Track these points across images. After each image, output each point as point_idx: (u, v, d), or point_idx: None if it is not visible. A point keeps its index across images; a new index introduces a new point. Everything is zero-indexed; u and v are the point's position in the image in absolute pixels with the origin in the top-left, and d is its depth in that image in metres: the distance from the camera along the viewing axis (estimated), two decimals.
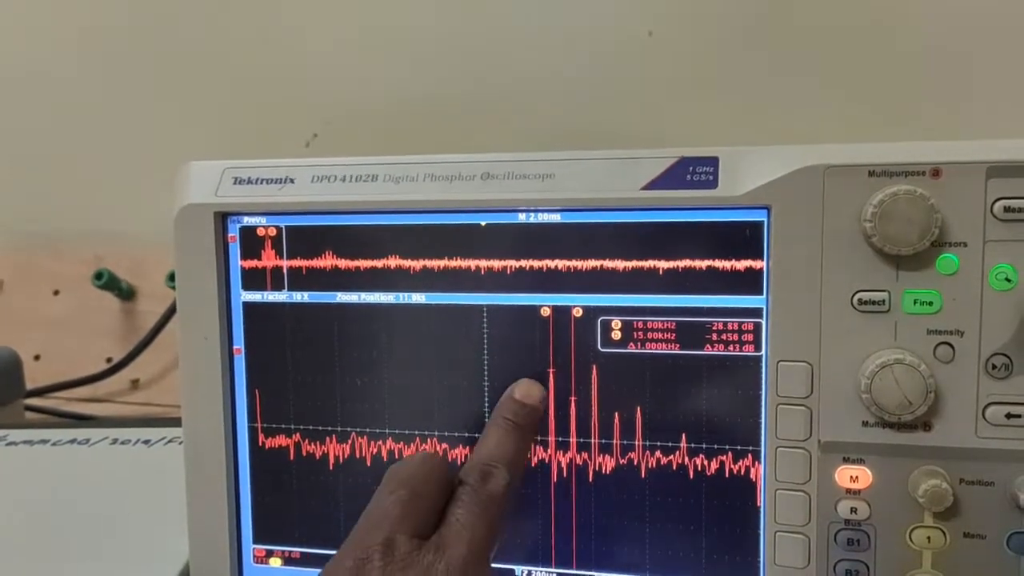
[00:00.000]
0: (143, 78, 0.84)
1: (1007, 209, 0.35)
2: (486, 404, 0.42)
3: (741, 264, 0.39)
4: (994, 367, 0.36)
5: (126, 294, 0.81)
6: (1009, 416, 0.36)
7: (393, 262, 0.43)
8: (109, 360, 0.81)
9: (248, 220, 0.44)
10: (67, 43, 0.86)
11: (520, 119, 0.77)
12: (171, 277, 0.77)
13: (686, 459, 0.40)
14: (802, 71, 0.71)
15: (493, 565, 0.39)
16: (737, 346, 0.39)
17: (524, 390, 0.41)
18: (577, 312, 0.41)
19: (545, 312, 0.41)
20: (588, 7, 0.75)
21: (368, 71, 0.79)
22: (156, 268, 0.81)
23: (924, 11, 0.68)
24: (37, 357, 0.83)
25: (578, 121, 0.76)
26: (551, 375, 0.41)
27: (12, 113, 0.87)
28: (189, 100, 0.83)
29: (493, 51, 0.77)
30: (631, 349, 0.41)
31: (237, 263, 0.44)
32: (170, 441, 0.59)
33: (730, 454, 0.40)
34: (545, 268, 0.41)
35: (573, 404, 0.41)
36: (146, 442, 0.60)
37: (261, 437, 0.45)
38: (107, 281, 0.79)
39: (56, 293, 0.84)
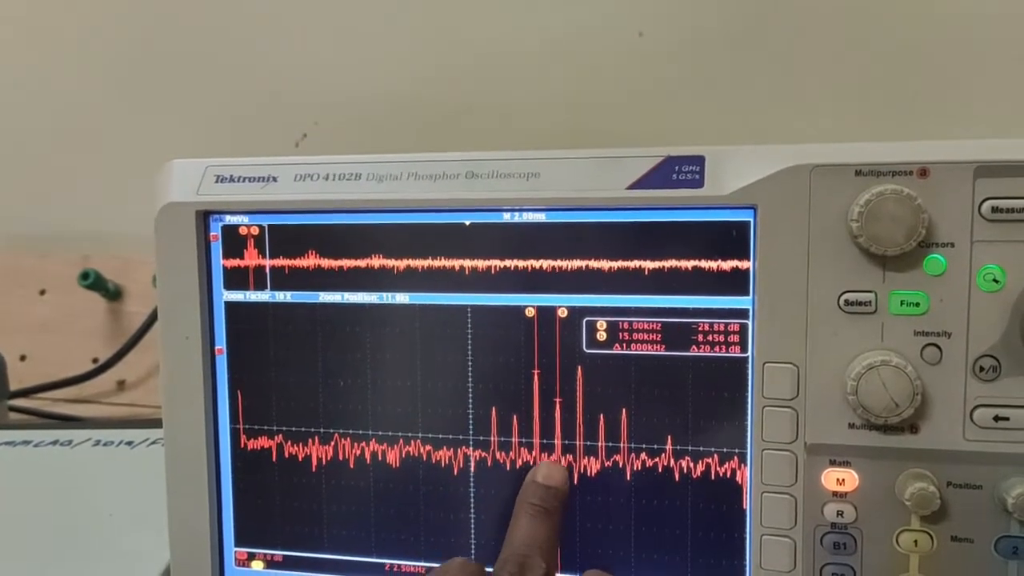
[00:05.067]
0: (131, 77, 0.84)
1: (995, 209, 0.35)
2: (470, 405, 0.42)
3: (727, 264, 0.39)
4: (982, 369, 0.35)
5: (113, 294, 0.81)
6: (997, 419, 0.35)
7: (376, 262, 0.42)
8: (95, 361, 0.80)
9: (230, 219, 0.44)
10: (53, 43, 0.85)
11: (511, 120, 0.76)
12: None
13: (672, 461, 0.40)
14: (793, 71, 0.70)
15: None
16: (723, 347, 0.39)
17: (545, 472, 0.40)
18: (562, 312, 0.41)
19: (530, 312, 0.41)
20: (579, 8, 0.74)
21: (358, 71, 0.79)
22: (143, 269, 0.80)
23: (917, 12, 0.68)
24: (23, 357, 0.82)
25: (569, 122, 0.75)
26: (535, 376, 0.41)
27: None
28: (178, 100, 0.83)
29: (484, 51, 0.76)
30: (616, 350, 0.40)
31: (219, 262, 0.44)
32: (153, 442, 0.59)
33: (716, 456, 0.39)
34: (530, 268, 0.41)
35: (558, 406, 0.41)
36: (129, 443, 0.59)
37: (243, 438, 0.45)
38: (94, 281, 0.78)
39: (42, 293, 0.83)
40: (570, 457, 0.41)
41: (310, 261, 0.43)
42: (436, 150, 0.42)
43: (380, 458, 0.43)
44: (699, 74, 0.73)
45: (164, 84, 0.83)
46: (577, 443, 0.41)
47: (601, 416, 0.41)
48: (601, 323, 0.40)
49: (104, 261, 0.81)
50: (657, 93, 0.74)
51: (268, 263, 0.44)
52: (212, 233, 0.44)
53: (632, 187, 0.39)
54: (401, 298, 0.42)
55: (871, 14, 0.68)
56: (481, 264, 0.41)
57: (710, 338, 0.39)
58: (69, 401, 0.80)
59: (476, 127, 0.77)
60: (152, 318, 0.78)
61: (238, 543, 0.45)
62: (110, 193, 0.83)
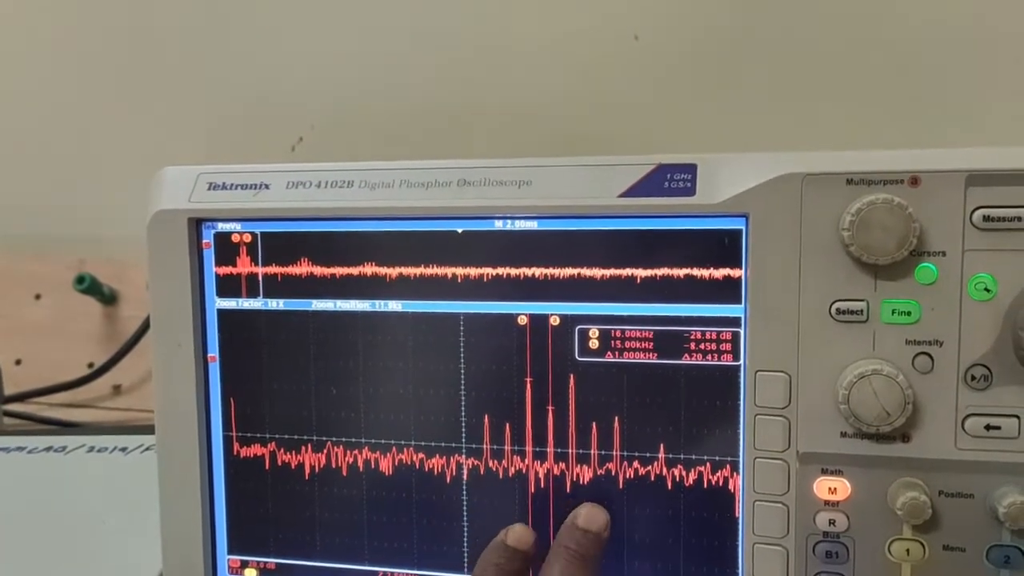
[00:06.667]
0: (128, 81, 0.84)
1: (986, 218, 0.35)
2: (462, 413, 0.42)
3: (719, 272, 0.38)
4: (973, 378, 0.35)
5: (108, 299, 0.81)
6: (988, 428, 0.35)
7: (369, 269, 0.42)
8: (91, 365, 0.80)
9: (223, 226, 0.44)
10: (50, 46, 0.85)
11: (507, 123, 0.76)
12: None
13: (664, 470, 0.40)
14: (788, 75, 0.70)
15: None
16: (715, 356, 0.39)
17: (587, 515, 0.39)
18: (554, 320, 0.41)
19: (522, 320, 0.41)
20: (575, 12, 0.74)
21: (355, 75, 0.79)
22: (138, 273, 0.80)
23: (909, 20, 0.68)
24: (18, 362, 0.82)
25: (565, 126, 0.75)
26: (528, 384, 0.41)
27: None
28: (174, 103, 0.83)
29: (480, 55, 0.76)
30: (609, 358, 0.40)
31: (211, 269, 0.44)
32: (147, 448, 0.59)
33: (708, 465, 0.39)
34: (522, 276, 0.41)
35: (550, 414, 0.41)
36: (123, 449, 0.59)
37: (236, 446, 0.45)
38: (89, 286, 0.78)
39: (38, 297, 0.83)
40: (563, 465, 0.41)
41: (302, 268, 0.43)
42: (431, 152, 0.42)
43: (373, 466, 0.43)
44: (694, 78, 0.73)
45: (161, 87, 0.83)
46: (570, 451, 0.41)
47: (593, 424, 0.41)
48: (593, 331, 0.40)
49: (99, 265, 0.81)
50: (652, 96, 0.74)
51: (260, 270, 0.43)
52: (204, 240, 0.44)
53: (624, 195, 0.39)
54: (394, 306, 0.42)
55: (866, 22, 0.68)
56: (473, 272, 0.41)
57: (702, 346, 0.39)
58: (64, 405, 0.80)
59: (471, 130, 0.77)
60: (147, 323, 0.77)
61: (231, 551, 0.45)
62: (106, 197, 0.83)
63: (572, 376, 0.41)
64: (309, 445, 0.44)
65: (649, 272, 0.39)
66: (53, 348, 0.82)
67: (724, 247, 0.38)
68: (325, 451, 0.44)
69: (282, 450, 0.44)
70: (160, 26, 0.82)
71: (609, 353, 0.40)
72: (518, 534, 0.40)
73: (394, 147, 0.77)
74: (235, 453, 0.45)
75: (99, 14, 0.84)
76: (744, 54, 0.71)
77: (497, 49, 0.76)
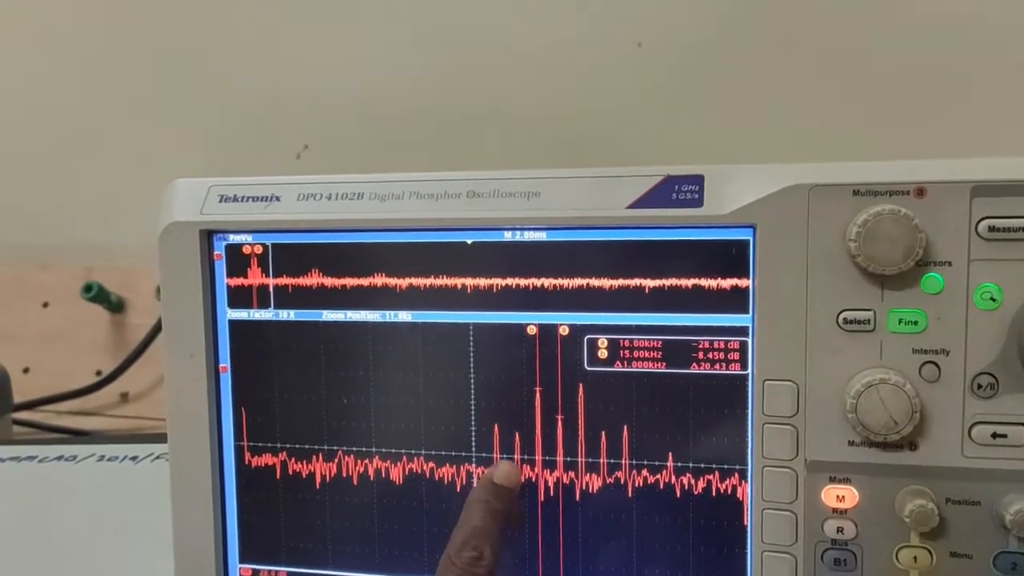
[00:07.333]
0: (134, 88, 0.84)
1: (992, 228, 0.35)
2: (472, 422, 0.42)
3: (727, 283, 0.39)
4: (980, 386, 0.36)
5: (116, 307, 0.81)
6: (995, 436, 0.36)
7: (379, 280, 0.43)
8: (99, 373, 0.81)
9: (234, 238, 0.44)
10: (58, 56, 0.86)
11: (511, 130, 0.77)
12: None
13: (673, 478, 0.40)
14: (791, 79, 0.71)
15: None
16: (723, 365, 0.39)
17: (503, 474, 0.41)
18: (563, 330, 0.41)
19: (531, 330, 0.41)
20: (578, 19, 0.75)
21: (359, 82, 0.79)
22: (146, 281, 0.81)
23: (912, 29, 0.68)
24: (26, 370, 0.82)
25: (569, 133, 0.76)
26: (537, 394, 0.41)
27: (2, 126, 0.87)
28: (180, 110, 0.83)
29: (484, 62, 0.77)
30: (617, 368, 0.40)
31: (223, 281, 0.44)
32: (157, 458, 0.59)
33: (717, 473, 0.40)
34: (531, 286, 0.41)
35: (560, 423, 0.41)
36: (133, 459, 0.59)
37: (247, 455, 0.45)
38: (97, 294, 0.79)
39: (46, 306, 0.84)
40: (572, 474, 0.41)
41: (313, 280, 0.43)
42: (436, 161, 0.42)
43: (383, 475, 0.43)
44: (697, 84, 0.73)
45: (166, 94, 0.83)
46: (579, 460, 0.41)
47: (603, 433, 0.41)
48: (602, 341, 0.40)
49: (107, 273, 0.82)
50: (655, 103, 0.74)
51: (271, 282, 0.44)
52: (216, 252, 0.44)
53: (632, 206, 0.39)
54: (404, 316, 0.43)
55: (870, 30, 0.69)
56: (483, 282, 0.41)
57: (710, 356, 0.39)
58: (73, 414, 0.80)
59: (473, 137, 0.77)
60: (155, 331, 0.78)
61: (242, 560, 0.45)
62: (113, 206, 0.84)
63: (581, 385, 0.41)
64: (320, 454, 0.44)
65: (657, 282, 0.40)
66: (61, 356, 0.82)
67: (732, 257, 0.39)
68: (336, 460, 0.44)
69: (293, 459, 0.44)
70: (165, 32, 0.83)
71: (618, 363, 0.40)
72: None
73: (398, 153, 0.78)
74: (246, 463, 0.45)
75: (103, 21, 0.84)
76: (747, 61, 0.72)
77: (501, 55, 0.76)
